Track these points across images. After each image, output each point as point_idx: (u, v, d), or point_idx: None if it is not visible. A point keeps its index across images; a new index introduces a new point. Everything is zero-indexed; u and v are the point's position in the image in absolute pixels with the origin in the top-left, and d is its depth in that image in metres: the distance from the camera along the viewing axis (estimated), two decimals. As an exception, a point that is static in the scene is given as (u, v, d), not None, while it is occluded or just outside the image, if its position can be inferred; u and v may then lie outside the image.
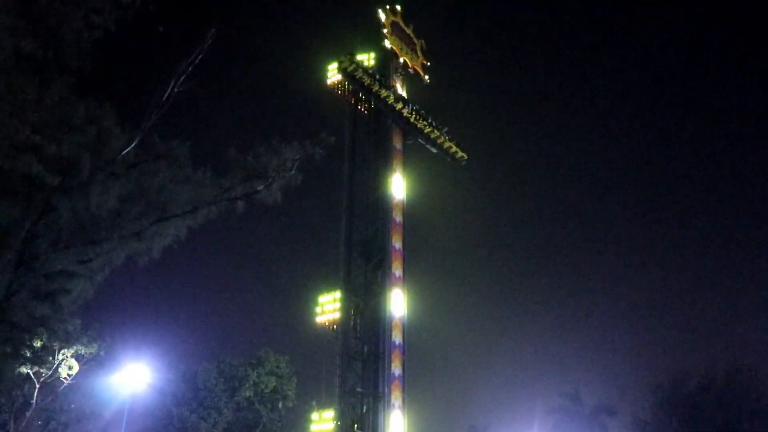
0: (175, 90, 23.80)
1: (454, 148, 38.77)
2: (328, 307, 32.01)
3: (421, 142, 37.72)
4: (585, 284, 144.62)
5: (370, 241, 32.61)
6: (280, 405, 50.93)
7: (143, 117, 24.08)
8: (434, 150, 38.39)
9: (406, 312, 32.01)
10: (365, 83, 33.96)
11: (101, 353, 41.02)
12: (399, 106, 35.30)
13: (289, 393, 50.79)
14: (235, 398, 49.34)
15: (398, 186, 34.17)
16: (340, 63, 33.80)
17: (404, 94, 36.82)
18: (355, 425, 30.17)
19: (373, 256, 32.29)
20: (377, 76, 34.81)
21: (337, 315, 31.39)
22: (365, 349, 31.21)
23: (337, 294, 31.75)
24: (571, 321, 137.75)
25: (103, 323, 42.92)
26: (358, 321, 31.51)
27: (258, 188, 25.98)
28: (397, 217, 33.31)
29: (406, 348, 31.41)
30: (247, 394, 49.21)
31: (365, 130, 35.30)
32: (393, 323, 31.06)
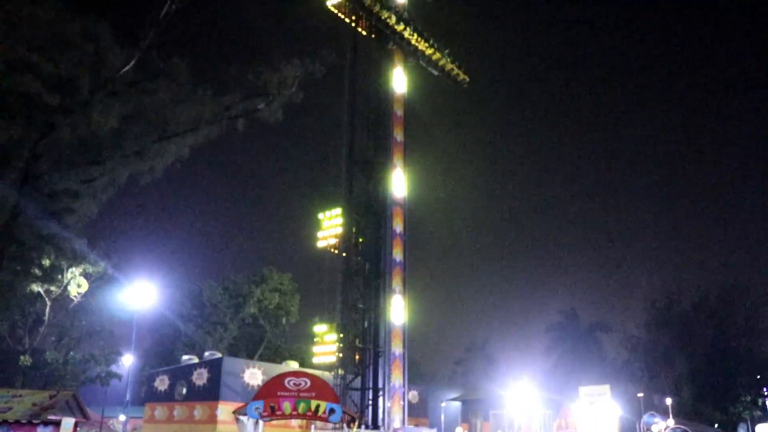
0: (173, 7, 23.52)
1: (456, 71, 38.15)
2: (330, 226, 32.41)
3: (423, 64, 37.10)
4: (584, 205, 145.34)
5: (370, 161, 32.65)
6: (283, 321, 52.05)
7: (141, 35, 23.87)
8: (435, 72, 37.82)
9: (407, 230, 32.32)
10: (366, 4, 33.15)
11: (109, 272, 41.71)
12: (400, 27, 34.56)
13: (292, 309, 51.80)
14: (240, 314, 50.41)
15: (398, 106, 33.86)
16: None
17: (406, 14, 36.00)
18: (357, 340, 30.95)
19: (373, 174, 32.39)
20: (378, -3, 33.85)
21: (339, 232, 31.78)
22: (366, 266, 31.67)
23: (338, 211, 32.02)
24: (568, 241, 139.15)
25: (110, 243, 43.46)
26: (360, 239, 31.86)
27: (259, 106, 25.98)
28: (398, 136, 33.24)
29: (407, 265, 31.88)
30: (252, 311, 50.24)
31: (366, 51, 34.69)
32: (394, 240, 31.42)
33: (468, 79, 38.87)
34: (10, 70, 22.03)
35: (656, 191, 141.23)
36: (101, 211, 29.52)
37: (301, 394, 11.58)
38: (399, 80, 34.62)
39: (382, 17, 33.75)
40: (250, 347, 51.24)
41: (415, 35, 35.46)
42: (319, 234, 32.85)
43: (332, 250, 32.23)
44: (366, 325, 30.96)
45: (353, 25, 34.14)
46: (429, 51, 36.44)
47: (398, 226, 31.85)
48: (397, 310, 30.73)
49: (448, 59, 37.45)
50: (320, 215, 32.96)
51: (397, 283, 31.06)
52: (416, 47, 35.76)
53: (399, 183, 32.46)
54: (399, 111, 33.94)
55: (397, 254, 31.34)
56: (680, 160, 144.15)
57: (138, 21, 24.03)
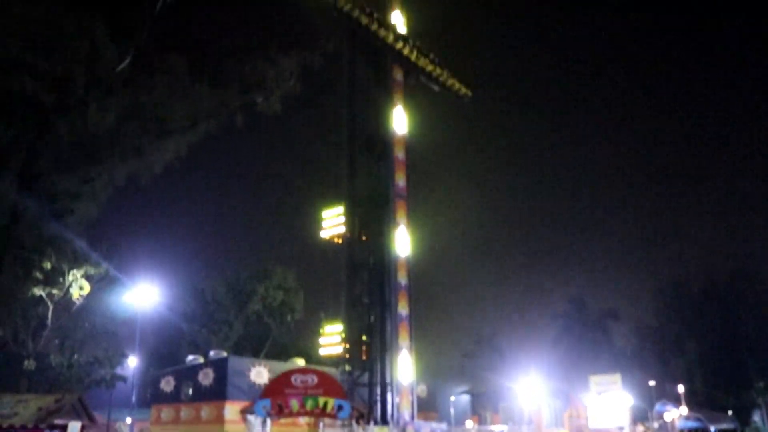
0: (167, 1, 23.17)
1: (458, 86, 37.26)
2: (333, 225, 32.02)
3: (423, 80, 36.26)
4: (590, 196, 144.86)
5: (372, 135, 32.18)
6: (288, 318, 51.72)
7: (136, 30, 23.50)
8: (437, 88, 36.97)
9: (409, 222, 31.88)
10: (363, 23, 32.26)
11: (110, 273, 41.37)
12: (399, 45, 33.68)
13: (297, 306, 51.45)
14: (245, 312, 50.11)
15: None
16: (336, 1, 31.59)
17: (404, 26, 35.00)
18: (363, 335, 30.61)
19: (375, 150, 31.99)
20: (375, 15, 32.90)
21: (342, 229, 31.36)
22: (371, 260, 31.29)
23: (341, 209, 31.60)
24: (576, 230, 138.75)
25: (111, 244, 43.11)
26: (363, 233, 31.46)
27: (257, 100, 25.62)
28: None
29: (412, 259, 31.48)
30: (256, 308, 49.91)
31: (365, 63, 33.92)
32: (398, 233, 30.98)
33: (470, 94, 38.08)
34: (5, 70, 21.72)
35: (664, 178, 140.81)
36: (101, 212, 29.19)
37: (309, 391, 11.21)
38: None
39: (380, 36, 32.99)
40: (256, 345, 50.94)
41: (415, 52, 34.54)
42: (322, 229, 32.46)
43: (335, 240, 31.84)
44: (372, 319, 30.61)
45: (351, 36, 33.06)
46: (429, 67, 35.50)
47: (402, 218, 31.42)
48: (404, 303, 30.34)
49: (449, 74, 36.65)
50: (323, 212, 32.58)
51: (402, 276, 30.68)
52: (416, 63, 34.84)
53: (401, 175, 32.08)
54: (399, 102, 33.40)
55: (402, 249, 30.88)
56: (687, 147, 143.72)
57: (133, 16, 23.69)
